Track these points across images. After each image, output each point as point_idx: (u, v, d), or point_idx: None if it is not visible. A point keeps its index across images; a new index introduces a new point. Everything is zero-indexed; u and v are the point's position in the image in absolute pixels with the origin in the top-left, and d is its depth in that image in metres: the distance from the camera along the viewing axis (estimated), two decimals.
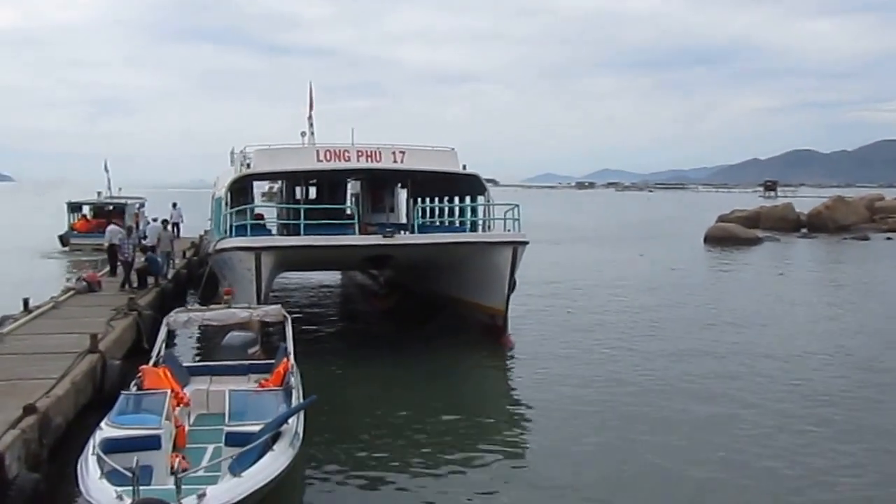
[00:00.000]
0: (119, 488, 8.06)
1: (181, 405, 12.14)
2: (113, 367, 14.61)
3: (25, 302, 19.84)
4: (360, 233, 20.36)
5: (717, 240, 51.50)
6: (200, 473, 9.52)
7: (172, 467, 9.49)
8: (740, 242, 50.80)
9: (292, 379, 12.42)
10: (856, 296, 29.57)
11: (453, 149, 23.12)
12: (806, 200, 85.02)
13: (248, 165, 21.98)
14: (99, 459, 8.82)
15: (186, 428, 11.85)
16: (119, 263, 25.00)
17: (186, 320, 14.31)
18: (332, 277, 33.28)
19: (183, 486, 8.12)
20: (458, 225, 23.86)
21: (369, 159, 21.62)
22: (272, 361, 13.96)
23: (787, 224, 62.93)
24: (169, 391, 10.79)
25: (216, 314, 14.71)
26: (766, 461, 11.94)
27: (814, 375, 17.16)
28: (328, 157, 21.54)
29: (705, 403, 15.10)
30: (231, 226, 20.36)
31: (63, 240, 43.52)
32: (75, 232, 43.50)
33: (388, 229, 20.42)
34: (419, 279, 23.83)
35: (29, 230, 52.94)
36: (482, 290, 20.29)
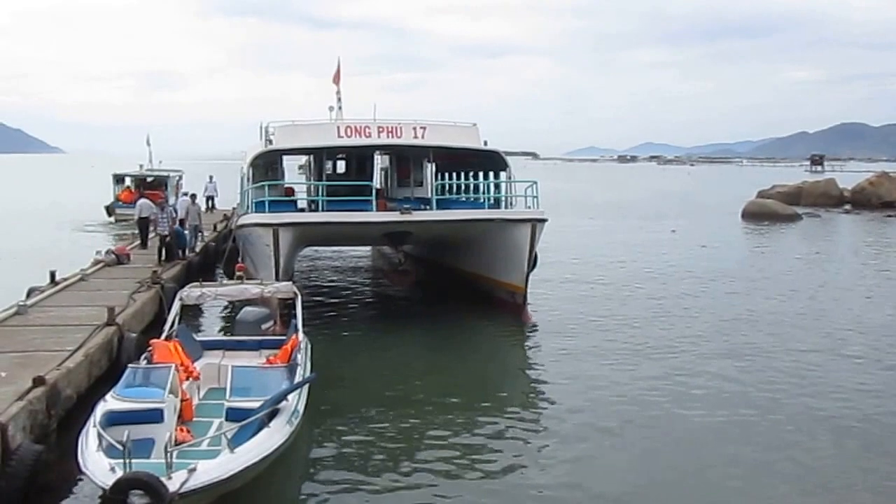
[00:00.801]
0: (112, 461, 8.27)
1: (190, 379, 12.38)
2: (129, 340, 14.83)
3: (52, 274, 20.24)
4: (379, 209, 20.39)
5: (755, 215, 50.78)
6: (203, 447, 9.74)
7: (177, 441, 9.72)
8: (778, 218, 50.00)
9: (298, 356, 12.57)
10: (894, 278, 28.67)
11: (475, 124, 23.01)
12: (854, 175, 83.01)
13: (270, 141, 22.15)
14: (98, 432, 9.07)
15: (196, 402, 12.09)
16: (157, 237, 25.44)
17: (199, 295, 14.52)
18: (365, 252, 33.44)
19: (176, 461, 8.31)
20: (480, 201, 23.77)
21: (390, 135, 21.59)
22: (285, 338, 14.14)
23: (830, 200, 61.71)
24: (173, 365, 10.98)
25: (228, 289, 14.91)
26: (790, 466, 11.30)
27: (839, 371, 16.02)
28: (349, 133, 21.54)
29: (727, 393, 14.48)
30: (252, 201, 20.60)
31: (109, 210, 44.73)
32: (120, 203, 44.70)
33: (405, 205, 20.45)
34: (440, 255, 23.80)
35: (78, 201, 54.24)
36: (501, 267, 20.33)
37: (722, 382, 15.11)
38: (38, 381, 10.71)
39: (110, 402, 10.01)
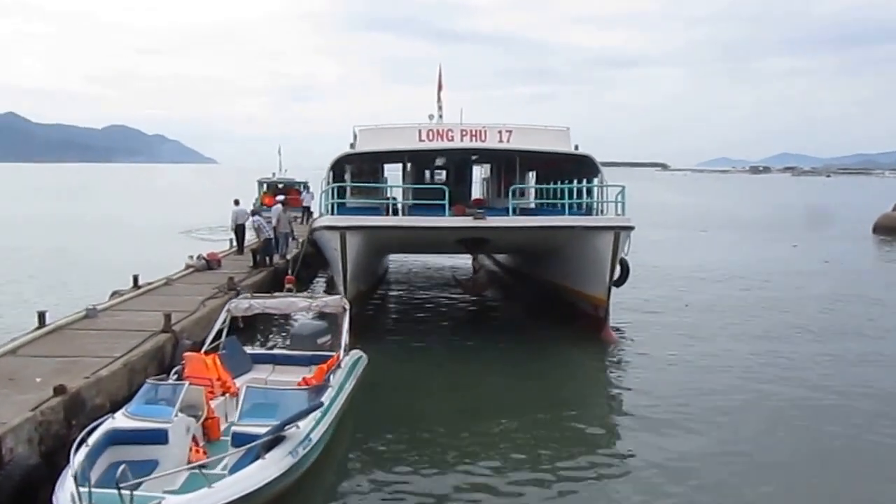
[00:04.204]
0: (81, 489, 7.64)
1: (226, 395, 11.70)
2: (184, 348, 14.40)
3: (135, 278, 20.38)
4: (455, 214, 19.48)
5: (888, 230, 46.98)
6: (215, 471, 9.02)
7: (191, 462, 9.01)
8: None
9: (332, 376, 11.69)
10: None
11: (567, 128, 21.86)
12: None
13: (353, 145, 21.71)
14: (89, 453, 8.49)
15: (229, 418, 11.42)
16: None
17: (247, 307, 13.93)
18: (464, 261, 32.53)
19: (141, 494, 7.62)
20: (568, 208, 22.47)
21: (473, 138, 20.72)
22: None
23: None
24: (186, 383, 10.25)
25: (277, 302, 14.26)
26: None
27: None
28: (430, 137, 20.83)
29: (834, 434, 12.60)
30: (327, 204, 20.21)
31: (255, 212, 46.97)
32: (264, 206, 47.00)
33: (479, 211, 19.43)
34: (523, 264, 22.69)
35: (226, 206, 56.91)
36: (583, 278, 19.10)
37: (824, 419, 13.24)
38: (59, 390, 10.29)
39: (118, 420, 9.43)
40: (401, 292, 27.00)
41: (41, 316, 15.12)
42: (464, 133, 20.84)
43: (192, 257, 24.96)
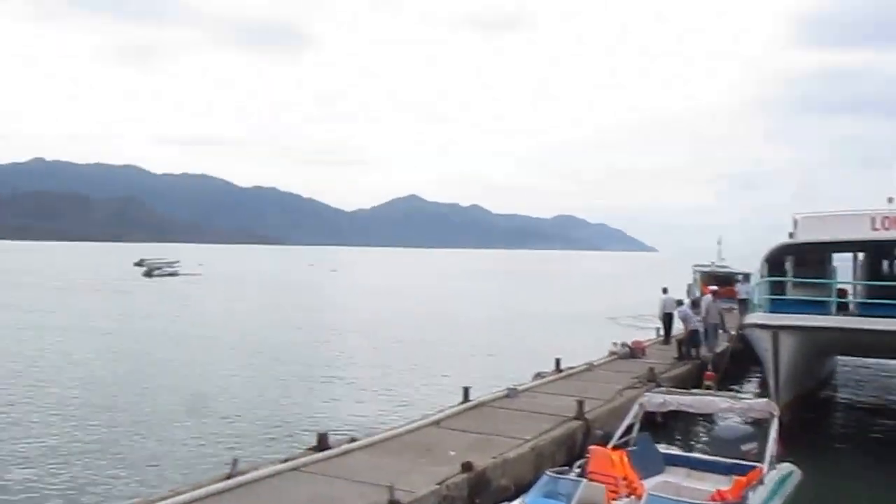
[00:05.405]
0: None
1: (632, 496, 10.84)
2: (595, 439, 13.93)
3: (557, 361, 20.72)
4: None
5: None
6: None
7: None
8: None
9: (752, 493, 10.12)
10: None
11: None
12: None
13: (792, 234, 19.71)
14: None
15: None
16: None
17: (661, 402, 12.90)
18: None
19: None
20: None
21: None
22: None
23: None
24: (585, 481, 9.57)
25: (693, 400, 13.00)
26: None
27: None
28: (887, 226, 18.02)
29: None
30: (763, 300, 18.43)
31: (694, 302, 46.52)
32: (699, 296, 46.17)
33: None
34: None
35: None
36: None
37: None
38: (466, 467, 10.45)
39: None
40: (850, 398, 23.61)
41: (465, 391, 15.93)
42: None
43: (615, 344, 24.85)
